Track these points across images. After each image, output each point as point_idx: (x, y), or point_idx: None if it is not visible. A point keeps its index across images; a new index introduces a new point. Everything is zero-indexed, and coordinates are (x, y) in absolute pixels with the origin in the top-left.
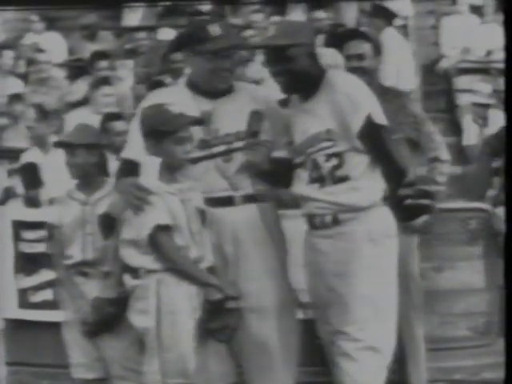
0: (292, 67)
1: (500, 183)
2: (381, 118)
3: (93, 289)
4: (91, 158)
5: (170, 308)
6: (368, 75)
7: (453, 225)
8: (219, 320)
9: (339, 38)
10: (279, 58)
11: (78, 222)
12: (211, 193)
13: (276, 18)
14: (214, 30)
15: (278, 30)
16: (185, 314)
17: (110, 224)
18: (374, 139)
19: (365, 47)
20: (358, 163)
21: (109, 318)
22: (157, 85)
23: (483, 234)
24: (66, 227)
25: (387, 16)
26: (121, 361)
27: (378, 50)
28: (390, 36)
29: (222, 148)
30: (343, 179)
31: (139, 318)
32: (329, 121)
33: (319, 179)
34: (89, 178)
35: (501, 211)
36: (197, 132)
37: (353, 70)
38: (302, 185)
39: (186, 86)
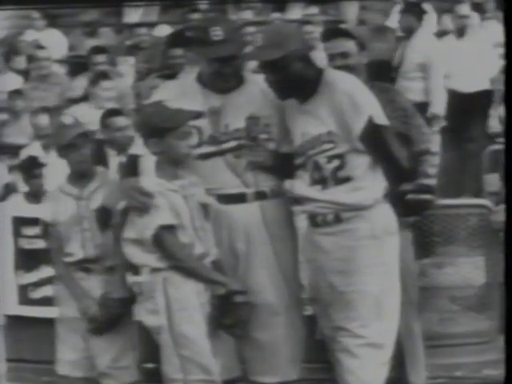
0: (285, 76)
1: (500, 180)
2: (382, 119)
3: (95, 285)
4: (88, 150)
5: (179, 305)
6: (354, 72)
7: (453, 221)
8: (231, 315)
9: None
10: (271, 68)
11: (75, 218)
12: (223, 189)
13: (275, 15)
14: (217, 34)
15: (266, 40)
16: (195, 309)
17: (106, 217)
18: (375, 140)
19: (348, 45)
20: (360, 164)
21: (117, 317)
22: (166, 78)
23: (483, 230)
24: (62, 224)
25: (418, 13)
26: (111, 358)
27: (362, 46)
28: (423, 35)
29: (232, 144)
30: (345, 180)
31: (150, 317)
32: (329, 122)
33: (321, 181)
34: (87, 170)
35: (501, 207)
36: (206, 128)
37: (338, 69)
38: (303, 186)
39: (195, 80)
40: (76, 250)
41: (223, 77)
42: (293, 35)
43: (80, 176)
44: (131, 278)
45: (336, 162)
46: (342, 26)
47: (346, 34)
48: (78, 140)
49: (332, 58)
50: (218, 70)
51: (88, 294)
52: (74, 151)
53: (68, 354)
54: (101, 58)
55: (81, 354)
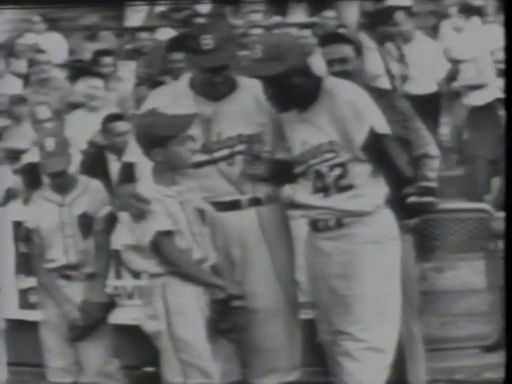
0: (285, 90)
1: (500, 184)
2: (384, 128)
3: (75, 291)
4: (70, 176)
5: (178, 309)
6: (353, 77)
7: (453, 225)
8: (228, 320)
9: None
10: (270, 83)
11: (57, 224)
12: (217, 197)
13: (276, 18)
14: (207, 42)
15: (265, 53)
16: (194, 313)
17: (88, 224)
18: (377, 150)
19: (346, 50)
20: (361, 172)
21: (97, 323)
22: (159, 85)
23: (483, 234)
24: (45, 230)
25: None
26: (97, 364)
27: (359, 50)
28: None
29: (224, 152)
30: (347, 188)
31: (149, 322)
32: (330, 131)
33: (323, 189)
34: (67, 182)
35: (501, 212)
36: (199, 136)
37: (336, 75)
38: (305, 194)
39: (188, 85)
40: (58, 256)
41: (214, 86)
42: (292, 48)
43: (61, 185)
44: (130, 282)
45: (338, 171)
46: (340, 30)
47: (344, 39)
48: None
49: (330, 63)
50: (209, 80)
51: (69, 299)
52: (53, 179)
53: (56, 362)
54: (108, 60)
55: (69, 360)
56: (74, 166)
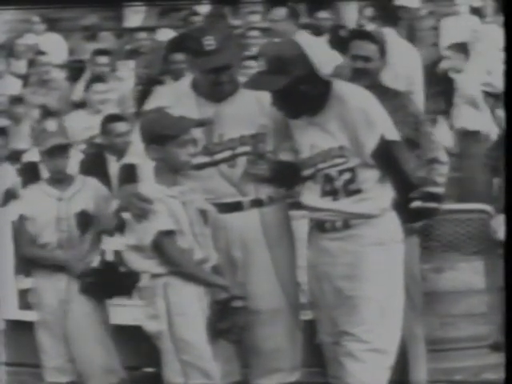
0: (293, 99)
1: (500, 184)
2: (393, 134)
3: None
4: (66, 161)
5: (180, 310)
6: (370, 76)
7: (453, 226)
8: (227, 320)
9: (344, 38)
10: (276, 96)
11: (53, 218)
12: (218, 199)
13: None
14: (209, 43)
15: (269, 66)
16: (195, 314)
17: (86, 221)
18: (386, 156)
19: (371, 49)
20: (370, 177)
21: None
22: (158, 85)
23: (483, 235)
24: (40, 221)
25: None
26: (95, 359)
27: (383, 51)
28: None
29: (226, 154)
30: (355, 192)
31: (151, 323)
32: (340, 137)
33: (332, 192)
34: (64, 177)
35: (500, 214)
36: (201, 138)
37: (357, 71)
38: (313, 197)
39: (190, 86)
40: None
41: (219, 86)
42: (296, 58)
43: (58, 180)
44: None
45: (347, 176)
46: (369, 28)
47: (372, 39)
48: (56, 150)
49: (355, 58)
50: (213, 80)
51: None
52: (52, 159)
53: (51, 361)
54: (103, 59)
55: (63, 359)
56: (73, 163)
